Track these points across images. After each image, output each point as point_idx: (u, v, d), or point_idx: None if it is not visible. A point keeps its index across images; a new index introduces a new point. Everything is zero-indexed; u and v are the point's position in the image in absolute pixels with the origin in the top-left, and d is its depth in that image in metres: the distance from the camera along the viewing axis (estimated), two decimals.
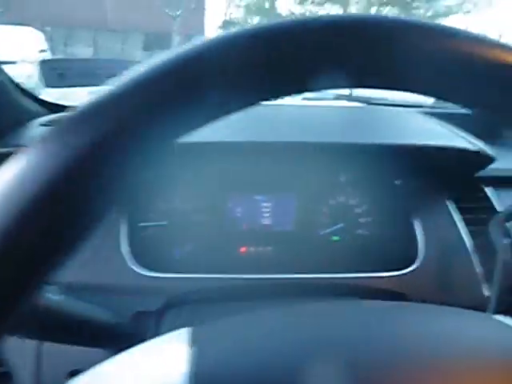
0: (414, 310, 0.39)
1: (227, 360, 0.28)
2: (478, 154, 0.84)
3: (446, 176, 0.97)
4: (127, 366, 0.29)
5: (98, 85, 1.12)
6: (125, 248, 0.79)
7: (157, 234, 0.94)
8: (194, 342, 0.30)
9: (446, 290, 0.82)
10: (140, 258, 0.81)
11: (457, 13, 17.55)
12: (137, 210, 0.92)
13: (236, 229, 1.00)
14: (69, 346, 0.60)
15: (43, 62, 4.30)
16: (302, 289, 0.83)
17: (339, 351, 0.29)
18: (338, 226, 1.01)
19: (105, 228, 0.81)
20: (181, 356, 0.28)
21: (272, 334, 0.31)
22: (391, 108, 1.38)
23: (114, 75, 1.19)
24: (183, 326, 0.34)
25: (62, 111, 1.14)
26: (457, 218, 0.90)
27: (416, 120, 1.13)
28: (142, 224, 0.94)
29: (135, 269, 0.77)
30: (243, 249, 0.99)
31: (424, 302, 0.82)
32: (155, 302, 0.76)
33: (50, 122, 1.03)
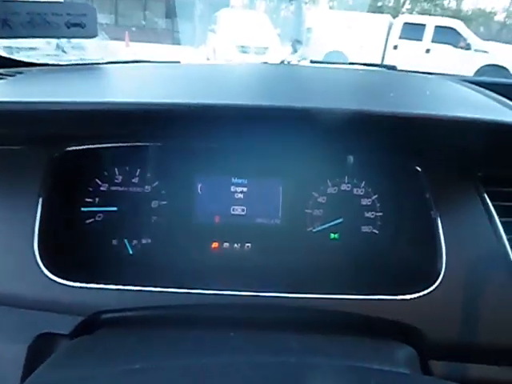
0: None
1: None
2: None
3: (483, 162, 0.71)
4: None
5: (51, 36, 0.89)
6: (36, 245, 0.59)
7: (99, 224, 0.74)
8: None
9: (476, 323, 0.59)
10: (59, 260, 0.61)
11: None
12: (74, 192, 0.72)
13: (206, 220, 0.78)
14: None
15: None
16: (282, 314, 0.61)
17: None
18: (337, 220, 0.79)
19: (15, 214, 0.61)
20: None
21: None
22: (417, 74, 1.11)
23: (74, 23, 0.98)
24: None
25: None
26: (498, 220, 0.66)
27: (449, 87, 0.87)
28: (84, 209, 0.74)
29: (49, 276, 0.58)
30: (214, 245, 0.78)
31: (442, 341, 0.61)
32: (71, 323, 0.56)
33: None
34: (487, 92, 0.81)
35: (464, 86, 0.88)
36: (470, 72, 7.19)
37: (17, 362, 0.53)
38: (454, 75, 1.13)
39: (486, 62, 7.91)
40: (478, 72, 7.67)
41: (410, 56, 8.00)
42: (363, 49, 8.17)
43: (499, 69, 7.88)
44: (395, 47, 8.70)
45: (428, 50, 8.31)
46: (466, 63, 7.65)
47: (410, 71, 1.19)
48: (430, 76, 1.07)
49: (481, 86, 0.89)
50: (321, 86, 0.79)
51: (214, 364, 0.46)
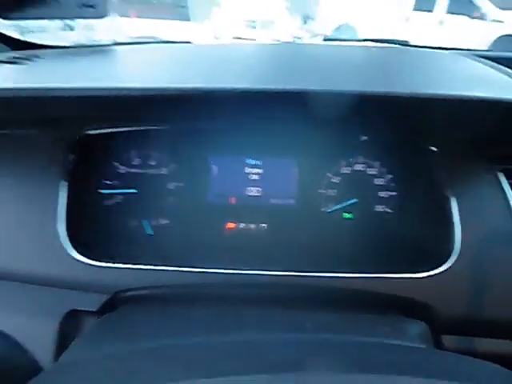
0: None
1: None
2: None
3: (497, 141, 0.71)
4: None
5: (62, 16, 0.90)
6: (61, 227, 0.61)
7: (119, 205, 0.77)
8: None
9: (487, 299, 0.61)
10: (83, 241, 0.63)
11: None
12: (94, 174, 0.74)
13: (222, 201, 0.80)
14: None
15: None
16: (298, 292, 0.64)
17: None
18: (351, 201, 0.80)
19: (39, 197, 0.64)
20: None
21: None
22: (431, 50, 1.09)
23: (84, 3, 0.97)
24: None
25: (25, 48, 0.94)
26: (510, 197, 0.66)
27: (465, 64, 0.85)
28: (104, 191, 0.76)
29: (74, 255, 0.60)
30: (231, 225, 0.80)
31: (455, 317, 0.63)
32: (97, 300, 0.59)
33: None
34: (502, 68, 0.80)
35: (478, 61, 0.87)
36: (485, 44, 6.95)
37: (49, 338, 0.57)
38: (468, 50, 1.11)
39: (502, 32, 7.64)
40: (495, 43, 7.41)
41: (423, 29, 7.75)
42: (374, 22, 7.93)
43: None
44: (407, 19, 8.43)
45: (441, 22, 8.04)
46: (482, 34, 7.39)
47: (423, 46, 1.17)
48: (443, 52, 1.05)
49: (495, 61, 0.87)
50: (335, 67, 0.78)
51: (237, 342, 0.48)
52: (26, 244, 0.62)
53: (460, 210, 0.66)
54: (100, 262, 0.60)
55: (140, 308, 0.60)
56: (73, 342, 0.52)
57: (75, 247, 0.61)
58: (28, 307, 0.60)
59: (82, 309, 0.59)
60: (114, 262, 0.61)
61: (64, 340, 0.57)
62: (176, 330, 0.54)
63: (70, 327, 0.58)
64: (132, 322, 0.56)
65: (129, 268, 0.61)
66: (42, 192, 0.64)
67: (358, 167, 0.80)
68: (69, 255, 0.60)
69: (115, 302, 0.60)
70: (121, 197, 0.77)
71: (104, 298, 0.59)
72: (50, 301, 0.59)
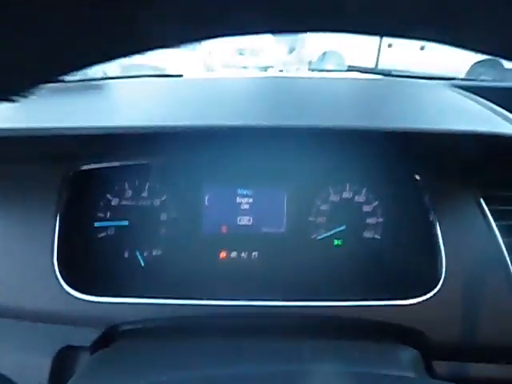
0: None
1: None
2: None
3: (478, 169, 0.74)
4: None
5: None
6: (55, 261, 0.62)
7: (112, 237, 0.77)
8: None
9: (476, 324, 0.62)
10: (76, 275, 0.64)
11: None
12: (87, 208, 0.75)
13: (214, 230, 0.81)
14: None
15: None
16: (290, 322, 0.64)
17: None
18: (340, 227, 0.82)
19: (33, 232, 0.64)
20: None
21: None
22: (415, 81, 1.14)
23: None
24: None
25: None
26: (494, 224, 0.69)
27: (446, 96, 0.90)
28: (97, 224, 0.77)
29: (67, 290, 0.60)
30: (222, 254, 0.81)
31: (445, 342, 0.64)
32: (90, 335, 0.59)
33: None
34: (480, 99, 0.84)
35: (457, 92, 0.91)
36: (464, 68, 7.21)
37: (43, 375, 0.56)
38: (448, 78, 1.16)
39: (480, 57, 7.94)
40: (473, 67, 7.70)
41: (405, 54, 8.02)
42: (358, 48, 8.19)
43: (493, 63, 7.92)
44: (390, 46, 8.73)
45: (422, 48, 8.34)
46: (460, 59, 7.68)
47: (405, 76, 1.22)
48: (426, 83, 1.09)
49: (473, 90, 0.92)
50: (320, 101, 0.82)
51: (232, 374, 0.48)
52: (19, 279, 0.62)
53: (444, 236, 0.68)
54: (93, 296, 0.61)
55: (135, 342, 0.60)
56: (70, 380, 0.52)
57: (69, 281, 0.61)
58: (20, 344, 0.59)
59: (75, 344, 0.58)
60: (107, 296, 0.61)
61: (58, 376, 0.56)
62: (172, 364, 0.54)
63: (63, 363, 0.57)
64: (128, 358, 0.56)
65: (122, 302, 0.61)
66: (37, 227, 0.65)
67: (346, 195, 0.82)
68: (62, 290, 0.60)
69: (109, 337, 0.60)
70: (114, 229, 0.78)
71: (97, 332, 0.59)
72: (42, 337, 0.59)
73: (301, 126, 0.62)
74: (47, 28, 0.16)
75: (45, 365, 0.57)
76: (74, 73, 0.20)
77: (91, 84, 0.97)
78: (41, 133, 0.60)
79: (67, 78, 1.11)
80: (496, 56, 0.20)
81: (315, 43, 8.78)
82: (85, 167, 0.69)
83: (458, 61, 7.53)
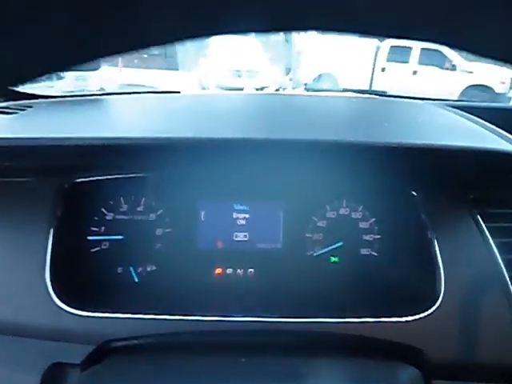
0: None
1: None
2: None
3: (474, 185, 0.75)
4: None
5: None
6: (47, 275, 0.60)
7: (105, 252, 0.76)
8: None
9: (476, 342, 0.61)
10: (68, 289, 0.62)
11: None
12: (81, 221, 0.74)
13: (210, 246, 0.80)
14: None
15: None
16: (287, 339, 0.63)
17: None
18: (337, 244, 0.81)
19: (25, 245, 0.63)
20: None
21: None
22: (409, 100, 1.16)
23: None
24: None
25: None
26: (491, 241, 0.69)
27: (439, 114, 0.91)
28: (90, 238, 0.76)
29: (59, 305, 0.59)
30: (218, 271, 0.80)
31: (444, 361, 0.62)
32: (81, 352, 0.57)
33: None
34: (473, 117, 0.85)
35: (451, 111, 0.93)
36: (456, 92, 7.38)
37: None
38: (440, 99, 1.18)
39: (471, 82, 8.14)
40: (464, 92, 7.89)
41: (398, 78, 8.21)
42: (352, 72, 8.36)
43: (484, 88, 8.12)
44: (383, 70, 8.94)
45: (415, 72, 8.54)
46: (452, 84, 7.86)
47: (399, 96, 1.24)
48: (418, 102, 1.11)
49: (466, 110, 0.93)
50: (317, 117, 0.82)
51: None
52: (9, 292, 0.60)
53: (442, 253, 0.68)
54: (85, 311, 0.59)
55: (127, 359, 0.58)
56: None
57: (60, 296, 0.60)
58: (9, 360, 0.57)
59: (66, 361, 0.56)
60: (99, 312, 0.59)
61: None
62: (166, 381, 0.53)
63: (52, 380, 0.55)
64: (120, 375, 0.54)
65: (114, 317, 0.59)
66: (29, 240, 0.63)
67: (342, 211, 0.82)
68: (54, 304, 0.59)
69: (100, 354, 0.58)
70: (108, 243, 0.77)
71: (88, 349, 0.57)
72: (31, 353, 0.57)
73: (297, 140, 0.62)
74: (47, 17, 0.16)
75: (33, 382, 0.55)
76: (73, 67, 0.19)
77: (89, 99, 0.98)
78: (34, 143, 0.59)
79: (65, 92, 1.12)
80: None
81: (310, 65, 8.97)
82: (79, 180, 0.68)
83: (450, 85, 7.72)
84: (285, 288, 0.75)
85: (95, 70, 0.94)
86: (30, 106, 0.79)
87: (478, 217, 0.71)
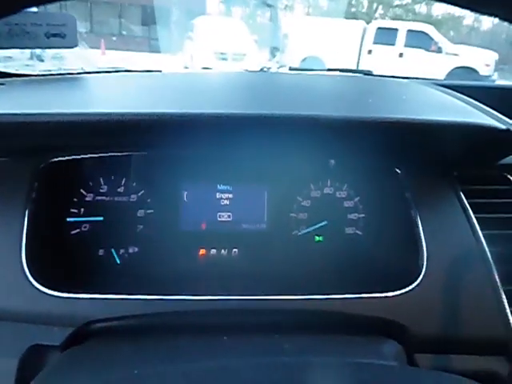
0: None
1: None
2: (506, 133, 0.63)
3: (458, 162, 0.75)
4: None
5: (31, 46, 0.89)
6: (23, 257, 0.59)
7: (85, 234, 0.74)
8: None
9: (457, 316, 0.62)
10: (47, 271, 0.60)
11: None
12: (59, 203, 0.72)
13: (193, 227, 0.79)
14: None
15: None
16: (271, 317, 0.62)
17: None
18: (321, 223, 0.81)
19: (1, 227, 0.61)
20: None
21: None
22: (394, 79, 1.14)
23: (53, 33, 0.97)
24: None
25: None
26: (473, 217, 0.69)
27: (425, 91, 0.90)
28: (69, 220, 0.74)
29: (37, 286, 0.57)
30: (202, 252, 0.79)
31: (426, 335, 0.63)
32: (61, 334, 0.56)
33: None
34: (458, 94, 0.85)
35: (436, 89, 0.92)
36: (442, 74, 7.42)
37: (8, 375, 0.53)
38: (426, 79, 1.18)
39: (456, 64, 8.18)
40: (450, 74, 7.92)
41: (384, 60, 8.19)
42: (339, 54, 8.31)
43: (469, 70, 8.17)
44: (369, 52, 8.91)
45: (401, 54, 8.54)
46: (438, 66, 7.89)
47: (385, 76, 1.23)
48: (404, 80, 1.10)
49: (452, 89, 0.93)
50: (301, 93, 0.81)
51: (210, 368, 0.46)
52: None
53: (425, 229, 0.68)
54: (64, 292, 0.58)
55: (108, 340, 0.57)
56: (34, 379, 0.48)
57: (38, 278, 0.58)
58: None
59: (45, 343, 0.55)
60: (79, 293, 0.58)
61: (25, 377, 0.53)
62: (146, 361, 0.52)
63: (31, 363, 0.54)
64: (100, 355, 0.53)
65: (95, 298, 0.58)
66: (4, 221, 0.61)
67: (327, 190, 0.81)
68: (31, 286, 0.57)
69: (80, 336, 0.57)
70: (87, 225, 0.75)
71: (68, 331, 0.56)
72: (9, 336, 0.56)
73: (281, 115, 0.61)
74: None
75: (11, 364, 0.53)
76: None
77: (67, 77, 0.94)
78: (6, 119, 0.57)
79: (43, 71, 1.08)
80: None
81: (297, 48, 8.88)
82: (56, 159, 0.66)
83: (436, 67, 7.74)
84: (269, 267, 0.75)
85: (71, 47, 0.90)
86: (3, 84, 0.76)
87: (461, 193, 0.72)
